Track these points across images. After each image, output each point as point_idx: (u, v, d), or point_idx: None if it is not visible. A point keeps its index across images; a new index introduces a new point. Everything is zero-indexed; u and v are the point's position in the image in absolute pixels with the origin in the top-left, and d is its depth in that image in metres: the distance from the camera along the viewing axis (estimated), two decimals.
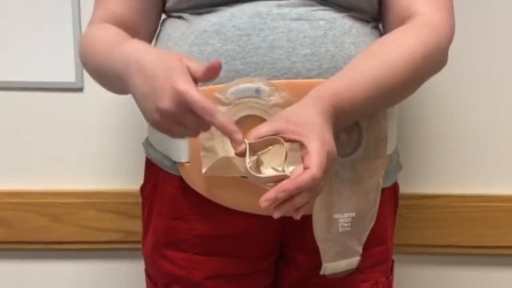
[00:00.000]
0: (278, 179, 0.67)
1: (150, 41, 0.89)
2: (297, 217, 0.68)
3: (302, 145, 0.67)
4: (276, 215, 0.67)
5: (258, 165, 0.71)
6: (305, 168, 0.65)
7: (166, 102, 0.66)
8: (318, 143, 0.66)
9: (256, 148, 0.70)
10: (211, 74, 0.67)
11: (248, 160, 0.68)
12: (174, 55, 0.70)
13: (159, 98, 0.66)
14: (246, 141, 0.69)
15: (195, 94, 0.65)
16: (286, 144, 0.68)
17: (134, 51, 0.71)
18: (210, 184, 0.82)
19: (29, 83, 1.18)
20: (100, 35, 0.83)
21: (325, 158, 0.66)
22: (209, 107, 0.65)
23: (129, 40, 0.77)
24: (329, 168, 0.68)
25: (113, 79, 0.76)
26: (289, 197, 0.66)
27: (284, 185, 0.65)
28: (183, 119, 0.67)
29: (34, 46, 1.16)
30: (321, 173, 0.65)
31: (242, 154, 0.70)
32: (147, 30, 0.89)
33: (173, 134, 0.70)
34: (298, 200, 0.66)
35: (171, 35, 0.85)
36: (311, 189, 0.66)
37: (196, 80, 0.67)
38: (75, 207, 1.20)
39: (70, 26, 1.14)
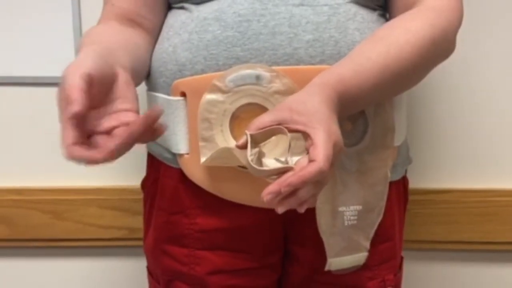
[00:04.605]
0: (281, 172, 0.64)
1: (158, 34, 0.87)
2: (301, 210, 0.66)
3: (307, 136, 0.65)
4: (280, 209, 0.64)
5: (259, 156, 0.68)
6: (311, 161, 0.63)
7: None
8: (324, 134, 0.64)
9: (258, 139, 0.67)
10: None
11: (250, 153, 0.65)
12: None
13: None
14: (248, 132, 0.66)
15: None
16: (289, 134, 0.65)
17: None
18: (209, 176, 0.80)
19: (29, 78, 1.17)
20: (93, 35, 0.80)
21: (331, 150, 0.64)
22: None
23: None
24: (336, 160, 0.66)
25: None
26: (293, 191, 0.63)
27: (289, 178, 0.62)
28: None
29: (33, 41, 1.15)
30: (328, 165, 0.62)
31: (243, 146, 0.67)
32: (154, 23, 0.87)
33: None
34: (303, 194, 0.64)
35: (172, 24, 0.84)
36: (317, 182, 0.64)
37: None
38: (76, 204, 1.19)
39: (70, 21, 1.13)
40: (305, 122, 0.65)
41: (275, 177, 0.65)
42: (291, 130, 0.66)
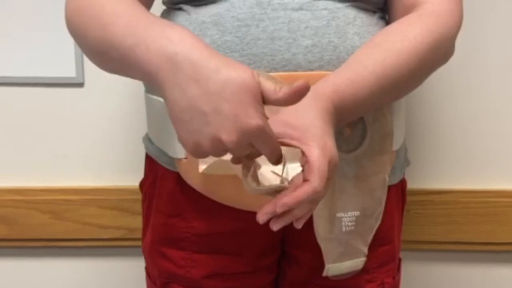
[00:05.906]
0: (276, 190, 0.65)
1: None
2: (298, 226, 0.66)
3: (301, 152, 0.65)
4: (275, 227, 0.64)
5: (255, 169, 0.67)
6: (305, 180, 0.63)
7: (233, 137, 0.58)
8: (318, 152, 0.63)
9: (253, 155, 0.67)
10: (294, 98, 0.59)
11: (246, 170, 0.65)
12: (245, 67, 0.59)
13: (223, 128, 0.58)
14: None
15: (272, 136, 0.60)
16: (284, 149, 0.65)
17: (186, 48, 0.60)
18: (206, 180, 0.80)
19: (29, 78, 1.17)
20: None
21: (326, 168, 0.63)
22: (280, 151, 0.62)
23: (169, 26, 0.63)
24: (331, 176, 0.65)
25: (130, 67, 0.65)
26: (288, 209, 0.63)
27: (283, 198, 0.62)
28: (237, 151, 0.61)
29: (33, 41, 1.15)
30: (322, 184, 0.62)
31: (238, 162, 0.66)
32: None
33: (204, 157, 0.62)
34: (298, 212, 0.64)
35: None
36: (312, 200, 0.64)
37: (264, 101, 0.60)
38: (76, 204, 1.19)
39: None
40: (299, 137, 0.65)
41: (271, 193, 0.65)
42: (285, 145, 0.65)
